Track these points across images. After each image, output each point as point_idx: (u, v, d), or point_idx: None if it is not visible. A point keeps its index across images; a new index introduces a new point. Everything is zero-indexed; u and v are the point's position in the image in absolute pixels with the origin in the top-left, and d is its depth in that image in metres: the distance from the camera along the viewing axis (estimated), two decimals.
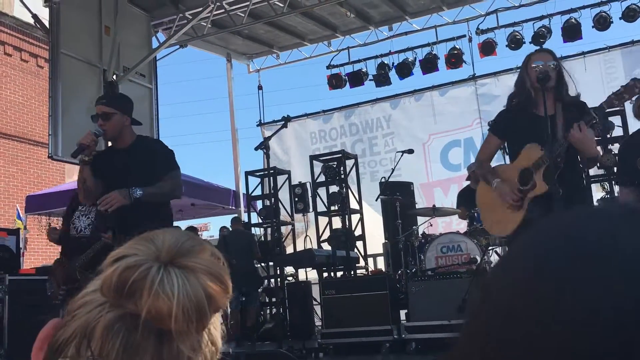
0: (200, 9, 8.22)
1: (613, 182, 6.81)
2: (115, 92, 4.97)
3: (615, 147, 6.70)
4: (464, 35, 9.51)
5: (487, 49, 9.23)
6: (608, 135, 7.03)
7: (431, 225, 7.54)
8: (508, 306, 0.35)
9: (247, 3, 8.45)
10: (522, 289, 0.35)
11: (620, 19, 8.49)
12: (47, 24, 7.25)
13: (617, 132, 7.01)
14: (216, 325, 0.70)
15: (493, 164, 3.75)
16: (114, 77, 7.60)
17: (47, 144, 6.90)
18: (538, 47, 3.58)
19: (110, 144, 4.11)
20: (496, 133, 3.61)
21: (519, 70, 3.63)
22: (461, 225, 7.77)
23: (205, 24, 8.83)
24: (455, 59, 9.47)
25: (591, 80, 9.02)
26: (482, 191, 3.70)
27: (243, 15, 8.73)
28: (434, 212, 6.98)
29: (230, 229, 8.87)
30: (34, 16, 7.41)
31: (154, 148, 3.97)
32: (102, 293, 0.64)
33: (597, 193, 7.27)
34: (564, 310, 0.32)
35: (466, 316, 0.38)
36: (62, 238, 4.45)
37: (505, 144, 3.70)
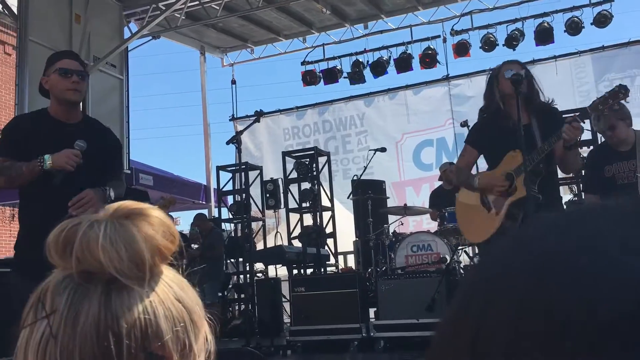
0: (174, 0, 8.10)
1: (581, 184, 6.91)
2: None
3: (584, 151, 6.80)
4: (439, 36, 9.57)
5: (461, 50, 9.30)
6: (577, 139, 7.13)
7: (402, 224, 7.56)
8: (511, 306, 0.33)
9: None
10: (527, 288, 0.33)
11: (591, 24, 8.64)
12: (15, 10, 7.07)
13: (586, 135, 7.11)
14: (182, 286, 0.71)
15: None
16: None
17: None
18: (507, 59, 3.60)
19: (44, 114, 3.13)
20: (472, 144, 3.63)
21: (491, 72, 3.66)
22: (432, 224, 7.81)
23: (179, 16, 8.70)
24: (429, 59, 9.52)
25: (562, 84, 9.16)
26: (461, 199, 3.71)
27: (218, 8, 8.63)
28: (405, 211, 7.00)
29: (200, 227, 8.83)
30: (2, 2, 7.22)
31: (108, 136, 3.25)
32: (49, 256, 0.67)
33: (565, 195, 7.37)
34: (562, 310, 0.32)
35: (448, 318, 0.36)
36: None
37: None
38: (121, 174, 3.28)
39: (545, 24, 8.84)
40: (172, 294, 0.69)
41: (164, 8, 8.29)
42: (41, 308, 0.65)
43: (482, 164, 3.85)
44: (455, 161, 7.34)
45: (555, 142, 3.25)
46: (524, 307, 0.32)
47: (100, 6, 7.82)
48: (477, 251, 5.88)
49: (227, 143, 5.39)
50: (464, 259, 6.54)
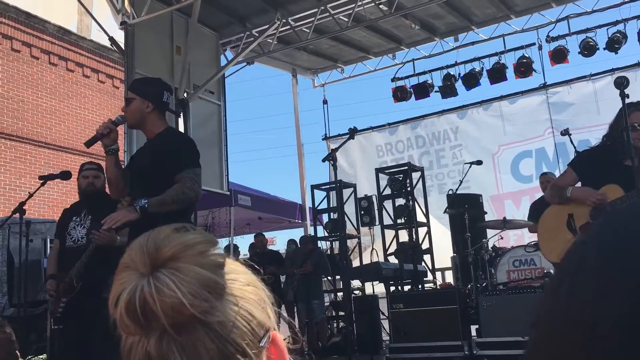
0: (267, 26, 8.38)
1: None
2: (143, 77, 4.50)
3: None
4: (534, 43, 9.27)
5: (559, 56, 8.96)
6: None
7: (502, 238, 7.34)
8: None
9: (312, 19, 8.56)
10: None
11: None
12: (122, 45, 7.58)
13: None
14: (238, 270, 0.73)
15: None
16: (185, 94, 7.85)
17: (124, 162, 7.17)
18: (637, 104, 3.61)
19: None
20: (575, 168, 3.72)
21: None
22: (534, 238, 7.52)
23: (271, 41, 9.00)
24: (524, 68, 9.24)
25: None
26: (547, 217, 3.78)
27: (308, 30, 8.84)
28: (505, 224, 6.79)
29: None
30: (111, 39, 7.76)
31: (173, 143, 3.48)
32: (129, 334, 0.68)
33: None
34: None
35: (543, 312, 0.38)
36: (59, 253, 4.28)
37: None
38: (177, 174, 3.33)
39: None
40: (241, 284, 0.71)
41: (257, 35, 8.61)
42: None
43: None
44: (556, 172, 7.07)
45: None
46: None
47: (199, 37, 8.23)
48: None
49: (323, 161, 5.49)
50: None
